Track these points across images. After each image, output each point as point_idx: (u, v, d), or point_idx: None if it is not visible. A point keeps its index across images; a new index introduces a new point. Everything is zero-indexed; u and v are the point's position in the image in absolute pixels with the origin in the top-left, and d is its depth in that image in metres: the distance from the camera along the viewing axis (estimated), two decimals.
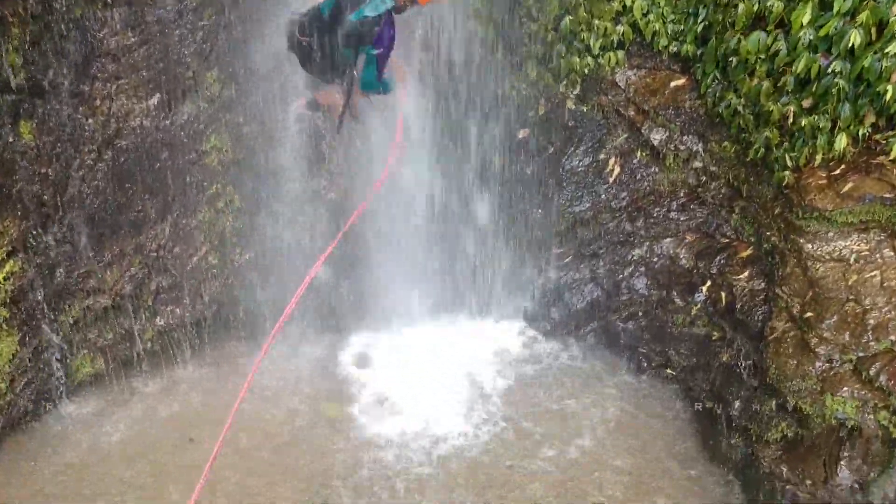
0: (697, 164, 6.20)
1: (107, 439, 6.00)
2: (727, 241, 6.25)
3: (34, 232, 5.51)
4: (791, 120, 5.38)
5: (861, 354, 5.01)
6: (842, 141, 5.26)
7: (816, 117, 5.28)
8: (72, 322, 5.99)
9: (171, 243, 6.09)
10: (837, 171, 5.38)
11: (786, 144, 5.51)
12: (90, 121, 5.42)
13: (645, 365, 6.67)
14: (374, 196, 5.99)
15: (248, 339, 6.92)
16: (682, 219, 6.46)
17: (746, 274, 5.97)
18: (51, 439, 6.01)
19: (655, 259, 6.60)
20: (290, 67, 5.81)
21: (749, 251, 6.04)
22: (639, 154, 6.43)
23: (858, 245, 5.26)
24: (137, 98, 5.50)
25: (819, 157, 5.39)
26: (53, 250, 5.66)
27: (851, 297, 5.17)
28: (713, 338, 6.18)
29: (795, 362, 5.26)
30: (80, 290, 5.89)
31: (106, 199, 5.68)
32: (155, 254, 6.05)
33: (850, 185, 5.27)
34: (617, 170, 6.50)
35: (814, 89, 5.24)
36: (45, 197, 5.46)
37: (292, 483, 5.59)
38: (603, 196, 6.57)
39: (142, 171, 5.71)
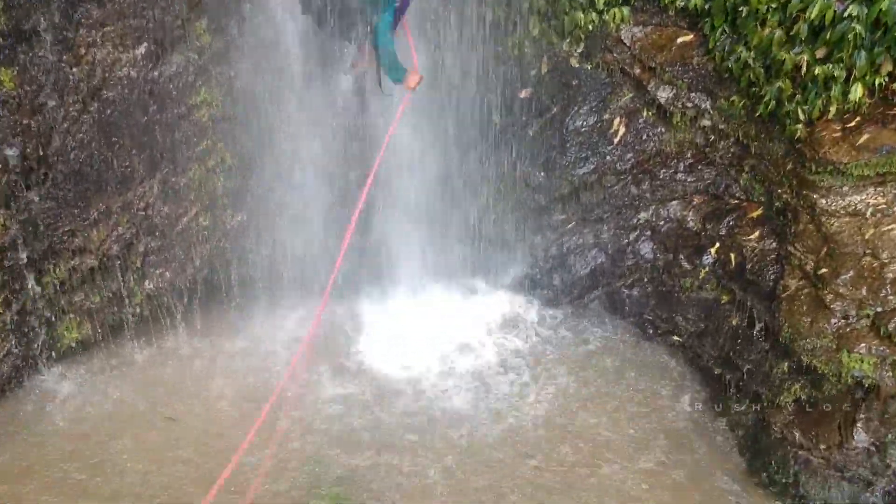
0: (706, 122, 5.99)
1: (90, 412, 5.76)
2: (736, 202, 6.05)
3: (17, 187, 5.29)
4: (804, 70, 5.17)
5: (879, 309, 4.82)
6: (857, 91, 5.06)
7: (831, 66, 5.08)
8: (57, 283, 5.76)
9: (160, 202, 5.85)
10: (853, 123, 5.18)
11: (798, 97, 5.31)
12: (74, 70, 5.19)
13: (651, 332, 6.47)
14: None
15: (241, 307, 6.70)
16: (689, 180, 6.25)
17: (757, 234, 5.77)
18: (32, 408, 5.79)
19: (662, 222, 6.39)
20: (283, 17, 5.62)
21: (759, 211, 5.83)
22: (645, 113, 6.22)
23: (875, 198, 5.06)
24: (124, 47, 5.27)
25: (833, 109, 5.19)
26: (37, 206, 5.43)
27: (868, 251, 4.97)
28: (722, 301, 5.98)
29: (810, 320, 5.06)
30: (65, 249, 5.66)
31: (91, 153, 5.45)
32: (143, 213, 5.82)
33: (865, 136, 5.07)
34: (622, 130, 6.29)
35: (828, 37, 5.04)
36: (28, 150, 5.23)
37: None
38: (608, 158, 6.35)
39: (129, 125, 5.48)
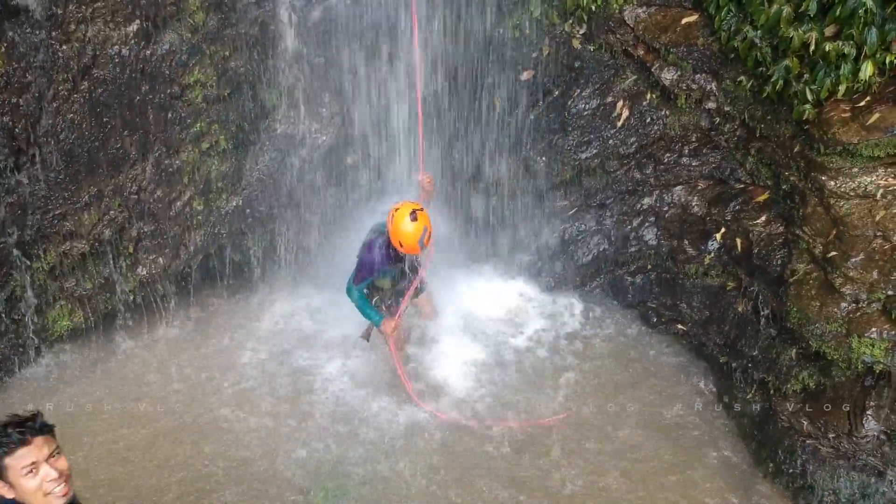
0: (711, 104, 5.84)
1: (81, 402, 5.63)
2: (742, 185, 5.90)
3: (5, 168, 5.16)
4: (813, 48, 5.02)
5: (890, 293, 4.66)
6: (867, 69, 4.90)
7: (840, 44, 4.93)
8: (47, 269, 5.64)
9: (153, 185, 5.72)
10: (862, 103, 5.02)
11: (806, 76, 5.15)
12: (64, 47, 5.07)
13: (654, 320, 6.33)
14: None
15: (236, 294, 6.58)
16: (694, 164, 6.11)
17: (764, 218, 5.62)
18: (22, 399, 5.64)
19: (666, 208, 6.24)
20: None
21: (766, 195, 5.69)
22: (649, 96, 6.08)
23: (886, 179, 4.90)
24: (115, 24, 5.14)
25: (843, 88, 5.03)
26: (26, 189, 5.31)
27: (879, 233, 4.82)
28: (727, 288, 5.84)
29: (819, 304, 4.91)
30: (55, 233, 5.54)
31: (82, 133, 5.32)
32: (136, 196, 5.69)
33: (876, 116, 4.91)
34: (625, 113, 6.15)
35: (838, 13, 4.89)
36: (17, 130, 5.11)
37: None
38: (610, 142, 6.21)
39: (120, 105, 5.35)
